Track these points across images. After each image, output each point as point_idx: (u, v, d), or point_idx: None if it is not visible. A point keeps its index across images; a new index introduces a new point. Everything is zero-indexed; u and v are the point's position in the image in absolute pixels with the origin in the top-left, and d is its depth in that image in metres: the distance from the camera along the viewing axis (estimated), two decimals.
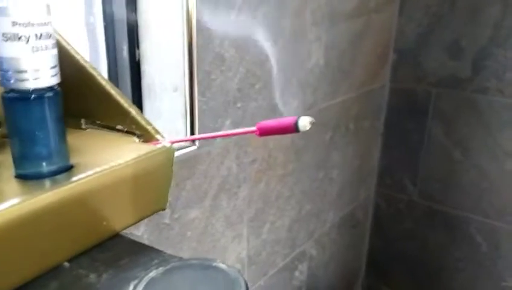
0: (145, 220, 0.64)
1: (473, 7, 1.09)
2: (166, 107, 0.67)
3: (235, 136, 0.76)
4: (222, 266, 0.29)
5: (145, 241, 0.65)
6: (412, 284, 1.41)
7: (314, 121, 0.30)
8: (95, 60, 0.64)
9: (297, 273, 1.09)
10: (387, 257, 1.44)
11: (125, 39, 0.63)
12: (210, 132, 0.70)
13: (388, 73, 1.26)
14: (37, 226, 0.27)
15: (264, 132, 0.32)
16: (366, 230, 1.43)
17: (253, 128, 0.32)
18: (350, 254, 1.37)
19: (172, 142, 0.33)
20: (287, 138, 0.90)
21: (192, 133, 0.66)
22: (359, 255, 1.45)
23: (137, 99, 0.67)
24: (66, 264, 0.30)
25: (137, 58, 0.65)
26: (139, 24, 0.64)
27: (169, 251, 0.70)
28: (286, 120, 0.30)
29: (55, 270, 0.29)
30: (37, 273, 0.28)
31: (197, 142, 0.68)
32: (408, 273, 1.41)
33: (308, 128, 0.30)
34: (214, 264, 0.29)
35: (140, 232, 0.64)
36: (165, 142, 0.33)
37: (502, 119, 1.12)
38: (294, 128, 0.30)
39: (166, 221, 0.67)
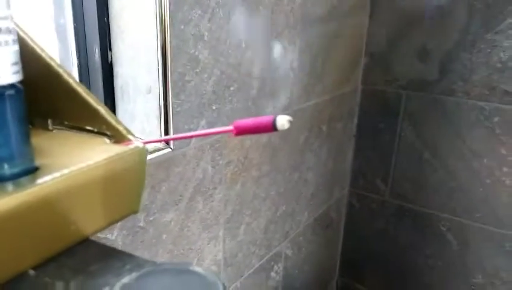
0: (119, 224, 0.63)
1: (441, 12, 1.13)
2: (140, 109, 0.67)
3: (211, 136, 0.76)
4: (198, 269, 0.27)
5: (120, 245, 0.64)
6: (385, 282, 1.44)
7: (291, 119, 0.30)
8: (66, 62, 0.63)
9: (273, 274, 1.09)
10: (361, 255, 1.46)
11: (97, 41, 0.62)
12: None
13: (360, 76, 1.29)
14: None
15: (241, 131, 0.31)
16: (339, 230, 1.45)
17: (230, 127, 0.31)
18: (324, 253, 1.38)
19: (145, 143, 0.32)
20: (262, 139, 0.91)
21: (166, 134, 0.66)
22: (333, 254, 1.47)
23: (111, 102, 0.66)
24: (31, 271, 0.28)
25: (109, 60, 0.65)
26: (111, 25, 0.63)
27: (144, 255, 0.69)
28: (263, 119, 0.30)
29: (19, 279, 0.27)
30: None
31: (172, 144, 0.67)
32: (381, 271, 1.44)
33: (286, 127, 0.30)
34: (190, 268, 0.28)
35: (114, 236, 0.63)
36: (137, 142, 0.32)
37: (468, 120, 1.16)
38: (272, 127, 0.30)
39: (141, 224, 0.67)
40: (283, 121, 0.29)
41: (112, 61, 0.65)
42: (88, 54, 0.63)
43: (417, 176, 1.28)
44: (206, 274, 0.26)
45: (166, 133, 0.66)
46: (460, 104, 1.16)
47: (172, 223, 0.72)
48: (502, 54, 1.07)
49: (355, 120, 1.34)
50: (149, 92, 0.64)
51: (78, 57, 0.62)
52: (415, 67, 1.20)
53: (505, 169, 1.15)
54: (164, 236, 0.72)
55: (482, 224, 1.21)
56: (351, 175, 1.40)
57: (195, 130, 0.72)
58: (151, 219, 0.68)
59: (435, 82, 1.18)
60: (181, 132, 0.68)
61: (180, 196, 0.73)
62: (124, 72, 0.66)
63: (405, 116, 1.26)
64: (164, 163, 0.67)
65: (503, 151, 1.14)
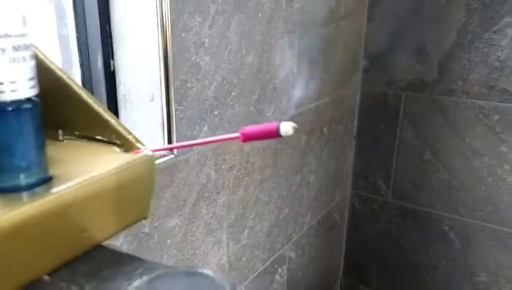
0: (125, 230, 0.63)
1: (438, 13, 1.14)
2: (143, 117, 0.67)
3: (215, 143, 0.76)
4: (207, 272, 0.28)
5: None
6: (389, 282, 1.44)
7: (296, 126, 0.31)
8: (69, 71, 0.64)
9: (277, 277, 1.10)
10: (364, 256, 1.47)
11: (99, 50, 0.63)
12: (187, 140, 0.70)
13: (359, 78, 1.30)
14: (15, 240, 0.26)
15: (248, 138, 0.32)
16: (342, 231, 1.46)
17: (237, 134, 0.32)
18: (328, 255, 1.39)
19: (154, 151, 0.33)
20: (263, 143, 0.91)
21: (169, 141, 0.67)
22: (337, 256, 1.47)
23: (114, 110, 0.67)
24: (46, 277, 0.29)
25: (112, 69, 0.65)
26: (113, 34, 0.64)
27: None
28: (268, 125, 0.31)
29: (34, 284, 0.28)
30: (16, 288, 0.27)
31: (175, 151, 0.68)
32: (384, 271, 1.44)
33: (290, 133, 0.31)
34: (199, 270, 0.28)
35: (119, 243, 0.63)
36: (146, 150, 0.33)
37: (468, 119, 1.17)
38: (276, 134, 0.31)
39: (146, 230, 0.67)
40: (287, 128, 0.30)
41: (114, 69, 0.66)
42: (91, 63, 0.64)
43: (418, 176, 1.28)
44: (214, 276, 0.27)
45: (170, 140, 0.66)
46: (459, 103, 1.17)
47: (176, 228, 0.73)
48: (499, 53, 1.08)
49: (356, 122, 1.35)
50: (152, 99, 0.65)
51: (81, 66, 0.63)
52: (414, 69, 1.21)
53: (506, 167, 1.15)
54: (169, 241, 0.72)
55: (485, 222, 1.22)
56: (352, 177, 1.41)
57: (198, 136, 0.72)
58: (155, 224, 0.69)
59: (434, 82, 1.19)
60: (184, 139, 0.69)
61: (184, 201, 0.73)
62: (126, 81, 0.67)
63: (405, 117, 1.26)
64: (168, 169, 0.68)
65: (504, 149, 1.14)
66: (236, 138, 0.32)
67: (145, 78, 0.65)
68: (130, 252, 0.32)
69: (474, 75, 1.13)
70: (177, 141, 0.68)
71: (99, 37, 0.62)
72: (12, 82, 0.27)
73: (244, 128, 0.32)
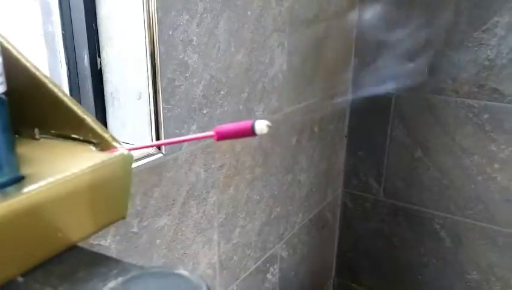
0: (112, 230, 0.63)
1: (428, 12, 1.14)
2: (130, 115, 0.67)
3: (202, 141, 0.76)
4: (184, 273, 0.28)
5: (113, 252, 0.64)
6: (381, 281, 1.45)
7: (270, 124, 0.30)
8: (55, 69, 0.63)
9: (269, 276, 1.09)
10: (356, 255, 1.47)
11: (86, 48, 0.62)
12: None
13: (350, 77, 1.30)
14: None
15: (222, 136, 0.32)
16: (334, 230, 1.46)
17: (211, 132, 0.32)
18: (320, 254, 1.39)
19: (130, 150, 0.33)
20: (253, 143, 0.91)
21: (158, 140, 0.66)
22: (329, 255, 1.47)
23: (101, 108, 0.67)
24: (20, 279, 0.28)
25: (99, 67, 0.65)
26: (99, 32, 0.64)
27: (138, 260, 0.69)
28: (243, 124, 0.31)
29: (8, 286, 0.27)
30: None
31: (163, 150, 0.68)
32: (376, 270, 1.44)
33: (265, 131, 0.30)
34: (176, 271, 0.28)
35: (107, 243, 0.63)
36: (122, 149, 0.33)
37: (458, 118, 1.17)
38: (251, 132, 0.31)
39: (135, 230, 0.67)
40: (262, 126, 0.30)
41: (101, 67, 0.65)
42: (77, 61, 0.63)
43: (409, 174, 1.29)
44: (191, 277, 0.27)
45: (158, 138, 0.66)
46: (449, 102, 1.17)
47: (166, 227, 0.73)
48: (489, 52, 1.09)
49: (347, 121, 1.35)
50: (139, 98, 0.65)
51: (67, 64, 0.63)
52: (404, 67, 1.21)
53: (496, 166, 1.16)
54: (158, 241, 0.72)
55: (475, 221, 1.22)
56: (344, 175, 1.41)
57: (187, 134, 0.72)
58: (144, 224, 0.68)
59: (424, 81, 1.19)
60: (172, 137, 0.68)
61: (173, 200, 0.73)
62: (113, 79, 0.66)
63: (395, 115, 1.27)
64: (156, 168, 0.68)
65: (494, 148, 1.15)
66: (211, 136, 0.32)
67: (132, 76, 0.64)
68: (115, 253, 0.32)
69: (464, 74, 1.13)
70: (163, 140, 0.67)
71: (86, 35, 0.61)
72: None
73: (219, 127, 0.32)
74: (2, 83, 0.28)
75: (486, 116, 1.14)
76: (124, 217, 0.34)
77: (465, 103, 1.15)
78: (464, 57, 1.12)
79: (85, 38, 0.61)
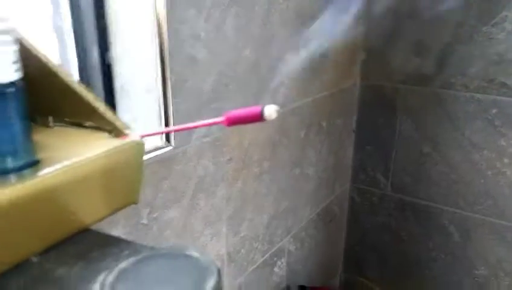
0: (122, 221, 0.64)
1: (437, 6, 1.13)
2: (140, 109, 0.68)
3: (211, 135, 0.77)
4: (194, 253, 0.28)
5: None
6: (388, 275, 1.45)
7: (279, 109, 0.31)
8: (65, 64, 0.64)
9: (276, 269, 1.10)
10: (364, 249, 1.47)
11: (95, 42, 0.63)
12: (184, 132, 0.71)
13: (358, 71, 1.30)
14: (2, 221, 0.26)
15: (232, 122, 0.32)
16: (342, 224, 1.46)
17: (221, 118, 0.32)
18: (327, 248, 1.39)
19: (142, 136, 0.34)
20: (262, 136, 0.92)
21: (167, 134, 0.67)
22: (336, 249, 1.48)
23: (111, 102, 0.68)
24: (34, 258, 0.29)
25: (108, 61, 0.66)
26: (109, 26, 0.65)
27: None
28: (252, 109, 0.31)
29: (22, 265, 0.28)
30: (4, 268, 0.28)
31: (172, 142, 0.69)
32: (384, 264, 1.45)
33: (274, 116, 0.31)
34: (186, 252, 0.29)
35: (118, 233, 0.64)
36: (134, 136, 0.34)
37: (467, 113, 1.17)
38: (260, 117, 0.31)
39: (144, 221, 0.68)
40: (271, 111, 0.31)
41: (110, 62, 0.67)
42: (87, 55, 0.64)
43: (417, 169, 1.29)
44: (201, 258, 0.27)
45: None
46: (458, 97, 1.17)
47: (175, 220, 0.74)
48: (498, 47, 1.08)
49: (355, 115, 1.35)
50: (148, 91, 0.66)
51: (78, 58, 0.64)
52: (413, 62, 1.21)
53: (505, 160, 1.15)
54: (167, 233, 0.73)
55: (484, 216, 1.22)
56: (351, 170, 1.41)
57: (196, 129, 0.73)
58: (154, 215, 0.69)
59: (433, 76, 1.19)
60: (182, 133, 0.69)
61: (183, 193, 0.74)
62: (123, 72, 0.67)
63: (404, 110, 1.26)
64: (165, 161, 0.69)
65: (503, 143, 1.14)
66: (221, 122, 0.32)
67: (141, 70, 0.65)
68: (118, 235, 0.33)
69: (473, 69, 1.13)
70: (175, 133, 0.68)
71: (95, 29, 0.63)
72: None
73: (229, 113, 0.32)
74: (18, 70, 0.29)
75: (495, 110, 1.13)
76: (135, 202, 0.35)
77: (474, 97, 1.15)
78: (473, 52, 1.11)
79: (95, 33, 0.62)
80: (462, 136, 1.19)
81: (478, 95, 1.14)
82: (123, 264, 0.27)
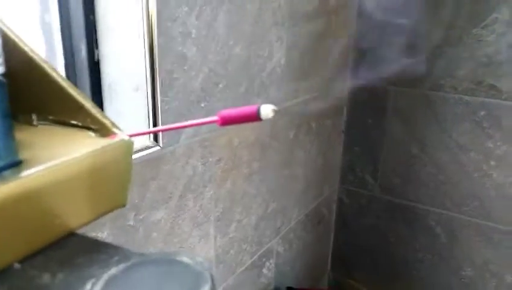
0: (109, 223, 0.63)
1: (427, 8, 1.14)
2: (128, 107, 0.67)
3: (200, 135, 0.76)
4: (186, 260, 0.27)
5: None
6: (376, 276, 1.45)
7: (276, 108, 0.30)
8: (52, 61, 0.62)
9: (265, 271, 1.10)
10: (352, 251, 1.47)
11: (83, 39, 0.61)
12: (173, 132, 0.69)
13: (348, 72, 1.30)
14: None
15: (226, 121, 0.31)
16: (330, 226, 1.46)
17: (215, 117, 0.31)
18: (316, 249, 1.39)
19: (131, 136, 0.32)
20: (251, 137, 0.91)
21: (155, 134, 0.66)
22: (325, 250, 1.48)
23: (98, 100, 0.66)
24: (17, 265, 0.28)
25: (96, 59, 0.64)
26: (97, 23, 0.63)
27: None
28: (248, 108, 0.30)
29: (4, 272, 0.27)
30: None
31: (160, 142, 0.67)
32: (372, 265, 1.45)
33: (270, 116, 0.29)
34: (178, 258, 0.27)
35: (104, 235, 0.63)
36: (122, 135, 0.32)
37: (455, 115, 1.17)
38: (256, 117, 0.30)
39: (131, 223, 0.67)
40: (267, 110, 0.29)
41: (99, 59, 0.65)
42: (74, 52, 0.62)
43: (406, 170, 1.29)
44: (193, 264, 0.26)
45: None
46: (447, 98, 1.17)
47: (162, 221, 0.72)
48: (487, 49, 1.09)
49: (344, 116, 1.35)
50: (137, 90, 0.64)
51: (65, 55, 0.62)
52: (403, 63, 1.21)
53: (492, 163, 1.16)
54: (154, 234, 0.72)
55: (470, 217, 1.23)
56: (340, 171, 1.41)
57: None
58: (141, 217, 0.68)
59: (423, 77, 1.19)
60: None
61: (170, 193, 0.72)
62: (111, 70, 0.66)
63: (393, 111, 1.27)
64: (153, 161, 0.67)
65: (490, 145, 1.15)
66: (215, 121, 0.31)
67: (130, 68, 0.64)
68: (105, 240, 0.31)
69: (462, 71, 1.13)
70: (163, 133, 0.67)
71: (83, 26, 0.61)
72: None
73: (223, 112, 0.31)
74: (1, 64, 0.27)
75: (483, 113, 1.14)
76: (124, 205, 0.33)
77: (463, 99, 1.15)
78: (462, 54, 1.12)
79: (83, 30, 0.61)
80: (449, 138, 1.20)
81: (467, 97, 1.15)
82: (111, 272, 0.26)
